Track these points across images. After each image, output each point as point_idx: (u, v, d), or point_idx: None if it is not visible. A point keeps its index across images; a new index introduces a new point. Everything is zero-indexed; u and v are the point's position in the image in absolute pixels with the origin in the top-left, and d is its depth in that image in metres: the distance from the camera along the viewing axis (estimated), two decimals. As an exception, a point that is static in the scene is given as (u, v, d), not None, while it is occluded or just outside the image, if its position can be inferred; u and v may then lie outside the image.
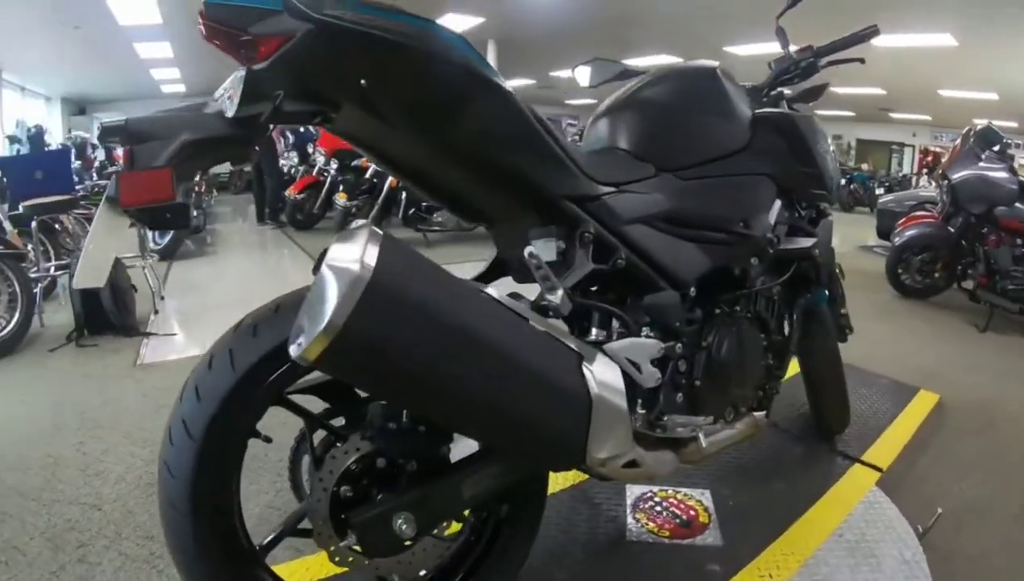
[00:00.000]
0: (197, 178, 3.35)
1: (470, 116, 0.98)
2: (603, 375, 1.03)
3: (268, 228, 7.55)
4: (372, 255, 0.82)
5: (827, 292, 1.91)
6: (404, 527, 0.98)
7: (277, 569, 1.12)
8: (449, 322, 0.87)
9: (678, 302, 1.26)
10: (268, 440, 1.07)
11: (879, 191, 12.56)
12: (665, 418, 1.26)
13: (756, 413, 1.53)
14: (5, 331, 3.16)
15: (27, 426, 2.31)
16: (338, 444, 1.04)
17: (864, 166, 15.05)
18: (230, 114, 0.88)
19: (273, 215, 7.72)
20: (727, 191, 1.40)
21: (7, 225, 3.87)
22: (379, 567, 1.06)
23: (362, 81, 0.89)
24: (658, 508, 1.78)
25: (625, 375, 1.11)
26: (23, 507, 1.76)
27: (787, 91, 1.67)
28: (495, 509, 1.25)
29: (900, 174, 15.79)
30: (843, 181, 12.62)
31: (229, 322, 1.04)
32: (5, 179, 4.94)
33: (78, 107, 14.91)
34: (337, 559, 1.02)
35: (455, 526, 1.24)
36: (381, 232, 0.88)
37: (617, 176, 1.25)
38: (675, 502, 1.81)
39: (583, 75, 1.79)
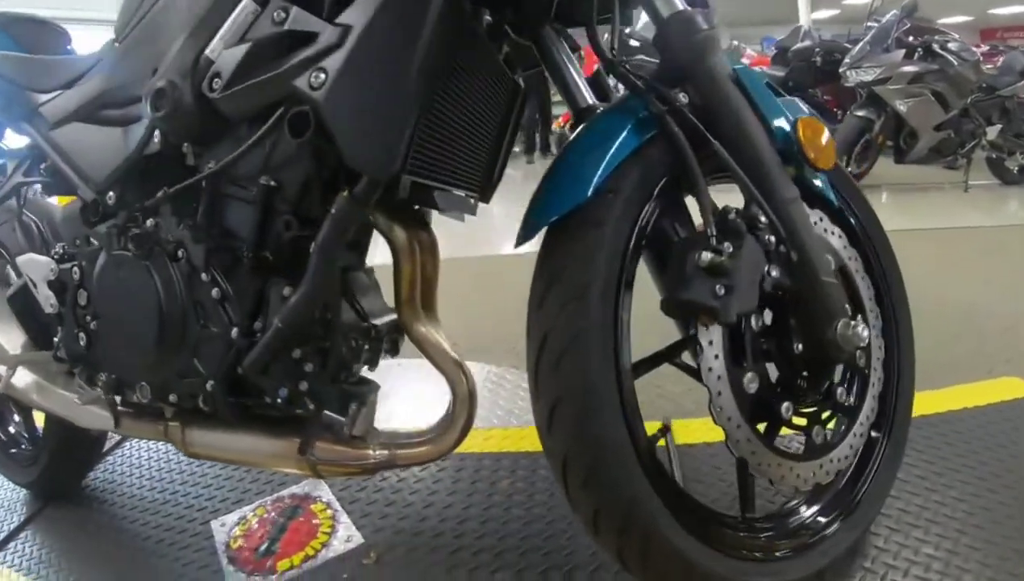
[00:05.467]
0: None
1: None
2: None
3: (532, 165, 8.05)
4: None
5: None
6: None
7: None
8: None
9: (75, 214, 0.99)
10: None
11: None
12: (61, 354, 1.03)
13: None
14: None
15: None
16: None
17: None
18: None
19: (545, 147, 8.43)
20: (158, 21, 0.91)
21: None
22: None
23: None
24: (267, 520, 1.20)
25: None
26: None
27: None
28: None
29: None
30: None
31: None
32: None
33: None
34: None
35: None
36: None
37: (69, 74, 1.06)
38: (301, 520, 1.19)
39: None
